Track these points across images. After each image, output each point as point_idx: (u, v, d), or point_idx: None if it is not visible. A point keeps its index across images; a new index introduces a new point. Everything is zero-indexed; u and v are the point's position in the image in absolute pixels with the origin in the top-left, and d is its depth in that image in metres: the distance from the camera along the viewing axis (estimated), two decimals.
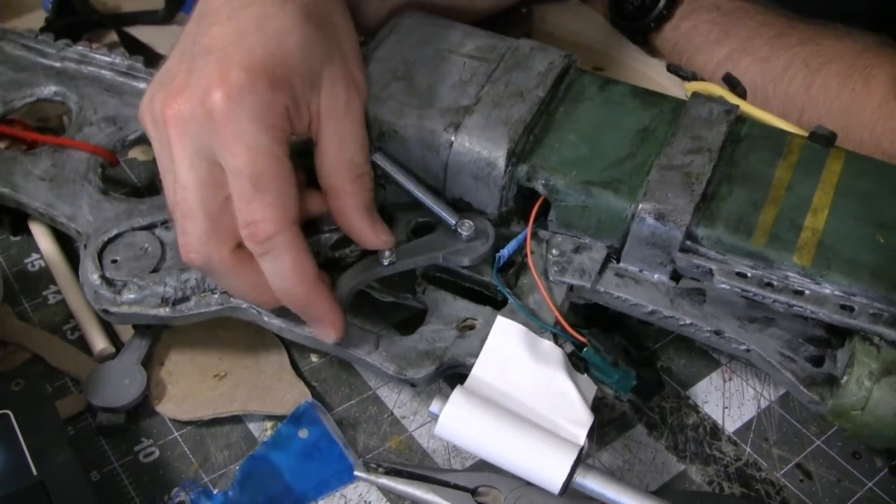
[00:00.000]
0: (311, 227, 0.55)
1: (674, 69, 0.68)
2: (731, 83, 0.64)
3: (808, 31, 0.70)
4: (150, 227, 0.56)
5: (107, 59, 0.67)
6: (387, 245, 0.53)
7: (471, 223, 0.55)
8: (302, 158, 0.52)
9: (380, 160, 0.55)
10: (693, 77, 0.66)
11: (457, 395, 0.48)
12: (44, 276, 0.63)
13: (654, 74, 0.74)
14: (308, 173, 0.53)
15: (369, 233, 0.52)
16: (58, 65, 0.68)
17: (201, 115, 0.46)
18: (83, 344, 0.58)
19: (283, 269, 0.48)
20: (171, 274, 0.53)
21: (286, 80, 0.48)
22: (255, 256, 0.48)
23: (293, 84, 0.48)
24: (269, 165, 0.47)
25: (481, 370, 0.50)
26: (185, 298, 0.53)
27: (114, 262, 0.54)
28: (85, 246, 0.56)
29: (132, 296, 0.53)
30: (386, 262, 0.53)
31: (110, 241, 0.55)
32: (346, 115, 0.51)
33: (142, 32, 0.76)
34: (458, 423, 0.48)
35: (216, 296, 0.54)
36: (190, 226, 0.49)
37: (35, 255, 0.64)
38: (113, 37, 0.77)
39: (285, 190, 0.47)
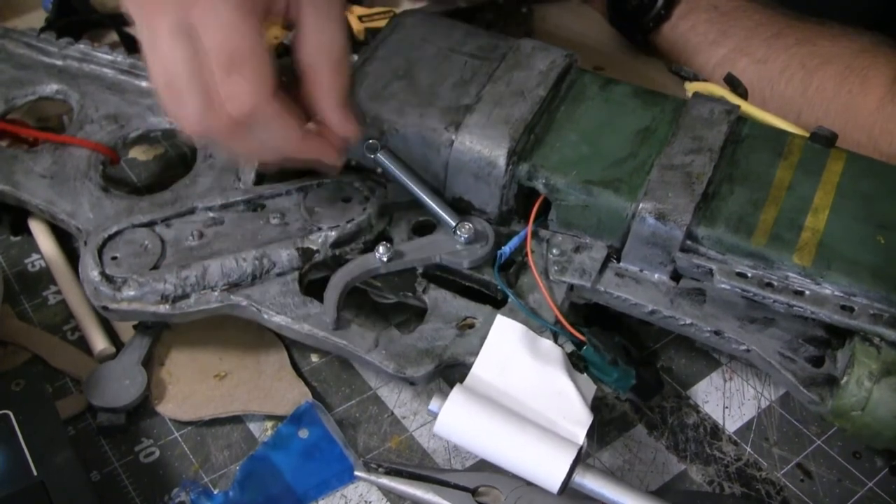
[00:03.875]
0: (311, 224, 0.56)
1: (675, 70, 0.68)
2: (733, 83, 0.64)
3: (806, 31, 0.70)
4: (150, 225, 0.56)
5: (108, 57, 0.67)
6: (352, 133, 0.53)
7: (470, 226, 0.55)
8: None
9: (383, 158, 0.55)
10: (694, 77, 0.66)
11: (456, 393, 0.48)
12: (44, 277, 0.62)
13: (654, 74, 0.74)
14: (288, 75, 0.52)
15: (340, 119, 0.52)
16: (60, 63, 0.68)
17: None
18: (83, 344, 0.58)
19: (272, 136, 0.50)
20: (170, 271, 0.53)
21: None
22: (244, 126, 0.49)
23: None
24: (243, 41, 0.47)
25: (481, 369, 0.50)
26: (185, 295, 0.53)
27: (114, 258, 0.54)
28: (85, 243, 0.56)
29: (132, 292, 0.53)
30: (385, 258, 0.54)
31: (110, 237, 0.55)
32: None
33: None
34: (457, 421, 0.48)
35: (216, 293, 0.54)
36: (186, 101, 0.49)
37: (35, 256, 0.64)
38: (113, 36, 0.77)
39: (260, 64, 0.47)
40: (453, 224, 0.55)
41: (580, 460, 0.47)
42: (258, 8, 0.47)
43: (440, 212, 0.55)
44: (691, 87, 0.68)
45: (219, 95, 0.48)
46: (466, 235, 0.54)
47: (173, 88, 0.49)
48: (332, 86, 0.51)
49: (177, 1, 0.47)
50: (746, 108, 0.60)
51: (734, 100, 0.61)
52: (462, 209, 0.56)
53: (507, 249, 0.55)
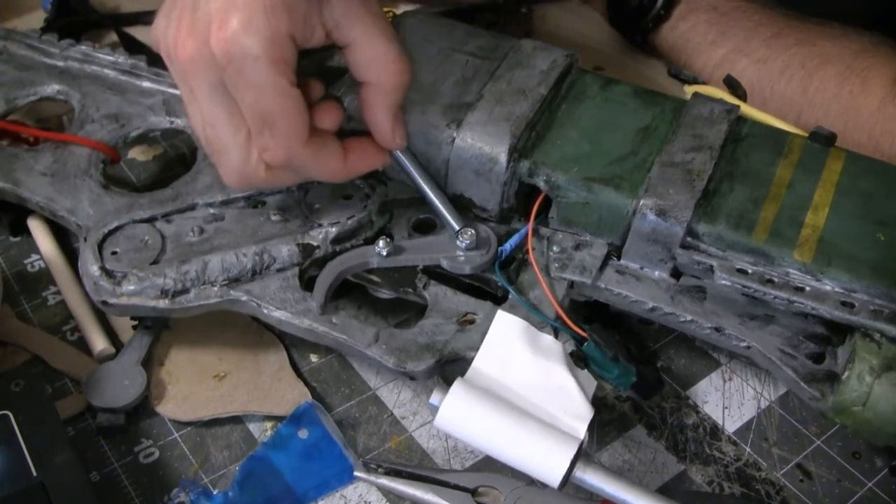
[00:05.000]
0: (312, 221, 0.56)
1: (674, 73, 0.68)
2: (732, 85, 0.64)
3: (806, 31, 0.71)
4: (150, 220, 0.56)
5: (110, 58, 0.67)
6: (398, 146, 0.54)
7: (473, 232, 0.54)
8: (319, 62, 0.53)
9: (401, 155, 0.55)
10: (693, 80, 0.66)
11: (457, 387, 0.48)
12: (43, 277, 0.62)
13: (654, 74, 0.74)
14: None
15: (388, 130, 0.53)
16: (61, 64, 0.68)
17: (208, 56, 0.47)
18: (83, 344, 0.58)
19: (312, 174, 0.53)
20: (170, 266, 0.53)
21: (285, 5, 0.47)
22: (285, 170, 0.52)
23: (294, 6, 0.48)
24: (273, 99, 0.48)
25: (482, 363, 0.50)
26: (185, 290, 0.53)
27: (114, 253, 0.54)
28: (85, 239, 0.56)
29: (132, 287, 0.53)
30: (384, 252, 0.54)
31: (110, 233, 0.55)
32: (366, 15, 0.50)
33: (142, 33, 0.76)
34: (458, 415, 0.48)
35: (216, 288, 0.54)
36: (225, 158, 0.51)
37: (35, 256, 0.64)
38: (113, 37, 0.77)
39: (291, 120, 0.49)
40: (457, 228, 0.55)
41: (581, 455, 0.47)
42: (289, 55, 0.48)
43: (446, 214, 0.55)
44: (690, 90, 0.68)
45: (256, 153, 0.50)
46: (467, 242, 0.54)
47: (215, 143, 0.51)
48: (386, 101, 0.52)
49: (212, 61, 0.47)
50: (746, 109, 0.60)
51: (733, 101, 0.61)
52: (463, 206, 0.57)
53: (508, 246, 0.55)
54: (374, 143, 0.54)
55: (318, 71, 0.53)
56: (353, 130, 0.55)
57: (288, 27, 0.47)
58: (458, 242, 0.54)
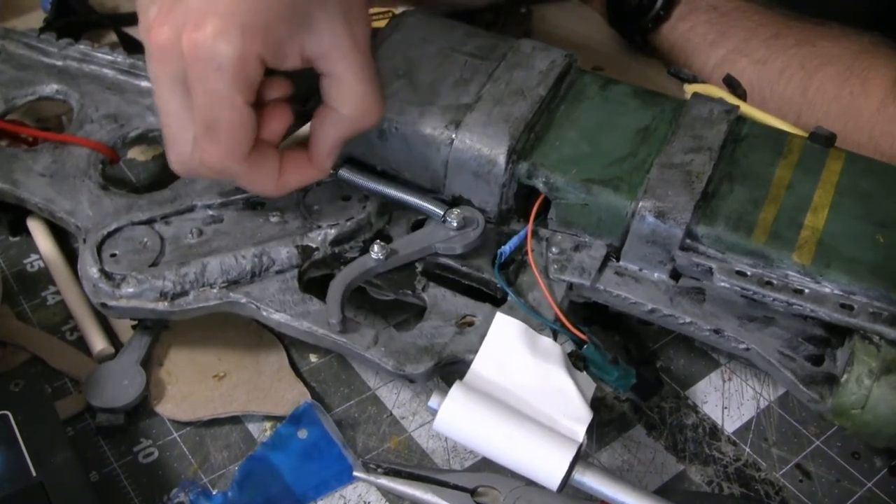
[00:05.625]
0: (310, 222, 0.56)
1: (674, 72, 0.68)
2: (732, 85, 0.64)
3: (806, 31, 0.70)
4: (149, 222, 0.56)
5: (108, 57, 0.67)
6: (325, 171, 0.54)
7: (459, 212, 0.55)
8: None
9: (346, 175, 0.56)
10: (693, 79, 0.66)
11: (456, 390, 0.48)
12: (43, 277, 0.62)
13: (653, 75, 0.74)
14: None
15: (326, 154, 0.53)
16: (60, 63, 0.68)
17: (178, 49, 0.47)
18: (82, 344, 0.58)
19: (243, 184, 0.53)
20: (170, 268, 0.53)
21: (263, 27, 0.47)
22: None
23: (273, 30, 0.48)
24: (222, 112, 0.48)
25: (480, 366, 0.50)
26: (184, 293, 0.53)
27: (113, 255, 0.54)
28: (84, 240, 0.56)
29: (131, 289, 0.53)
30: (381, 257, 0.54)
31: (109, 235, 0.55)
32: (353, 51, 0.50)
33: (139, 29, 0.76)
34: (456, 418, 0.48)
35: (215, 290, 0.54)
36: (174, 145, 0.51)
37: (34, 256, 0.64)
38: (112, 37, 0.77)
39: (235, 135, 0.49)
40: (441, 212, 0.55)
41: (580, 457, 0.47)
42: (253, 75, 0.48)
43: (425, 205, 0.56)
44: (690, 89, 0.68)
45: (199, 153, 0.50)
46: (456, 221, 0.55)
47: (167, 129, 0.51)
48: (342, 133, 0.52)
49: (179, 55, 0.47)
50: (745, 109, 0.60)
51: (733, 101, 0.61)
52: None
53: (507, 248, 0.55)
54: (308, 168, 0.54)
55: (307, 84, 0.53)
56: None
57: (260, 49, 0.47)
58: (448, 223, 0.55)
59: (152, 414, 0.55)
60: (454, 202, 0.57)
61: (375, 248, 0.54)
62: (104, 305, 0.54)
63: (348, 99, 0.51)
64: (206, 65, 0.47)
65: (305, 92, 0.54)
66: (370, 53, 0.52)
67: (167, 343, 0.58)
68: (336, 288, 0.53)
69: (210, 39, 0.46)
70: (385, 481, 0.51)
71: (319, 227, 0.56)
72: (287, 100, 0.52)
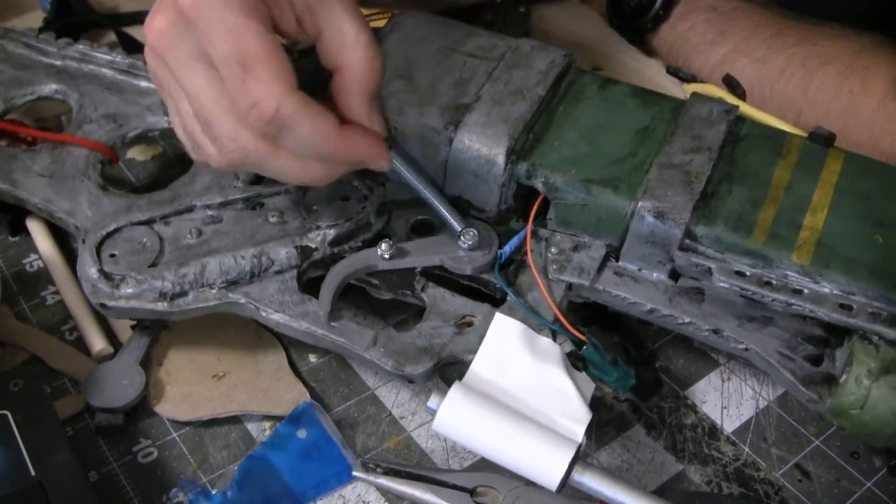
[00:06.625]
0: (310, 223, 0.56)
1: (673, 71, 0.68)
2: (731, 84, 0.64)
3: (806, 31, 0.70)
4: (149, 222, 0.56)
5: (107, 57, 0.67)
6: (380, 129, 0.51)
7: (475, 233, 0.54)
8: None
9: (395, 160, 0.54)
10: (693, 79, 0.66)
11: (455, 390, 0.48)
12: (42, 277, 0.62)
13: (652, 74, 0.74)
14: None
15: (364, 117, 0.50)
16: (59, 63, 0.68)
17: (177, 20, 0.46)
18: (82, 344, 0.58)
19: (308, 137, 0.48)
20: (169, 268, 0.53)
21: None
22: (276, 138, 0.48)
23: None
24: (251, 41, 0.46)
25: (479, 366, 0.50)
26: (183, 293, 0.53)
27: (112, 256, 0.54)
28: (83, 241, 0.56)
29: (130, 290, 0.53)
30: (387, 255, 0.53)
31: (109, 235, 0.55)
32: (339, 2, 0.49)
33: (140, 32, 0.76)
34: (455, 418, 0.48)
35: (214, 291, 0.54)
36: (216, 128, 0.48)
37: (34, 256, 0.64)
38: (111, 37, 0.77)
39: (275, 61, 0.46)
40: (458, 229, 0.55)
41: (579, 458, 0.47)
42: (262, 12, 0.47)
43: (447, 215, 0.55)
44: (689, 88, 0.68)
45: (244, 110, 0.46)
46: (470, 242, 0.54)
47: (202, 113, 0.48)
48: (361, 82, 0.50)
49: (183, 25, 0.46)
50: (745, 108, 0.60)
51: (732, 101, 0.61)
52: (461, 208, 0.56)
53: (506, 248, 0.55)
54: (370, 132, 0.51)
55: (315, 74, 0.52)
56: None
57: None
58: (460, 243, 0.54)
59: (151, 414, 0.55)
60: (454, 202, 0.56)
61: (383, 245, 0.54)
62: (103, 306, 0.54)
63: (341, 48, 0.49)
64: (212, 8, 0.45)
65: (307, 90, 0.54)
66: (355, 3, 0.50)
67: (166, 343, 0.58)
68: (332, 277, 0.53)
69: None
70: (384, 481, 0.51)
71: (319, 227, 0.56)
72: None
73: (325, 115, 0.48)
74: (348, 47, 0.49)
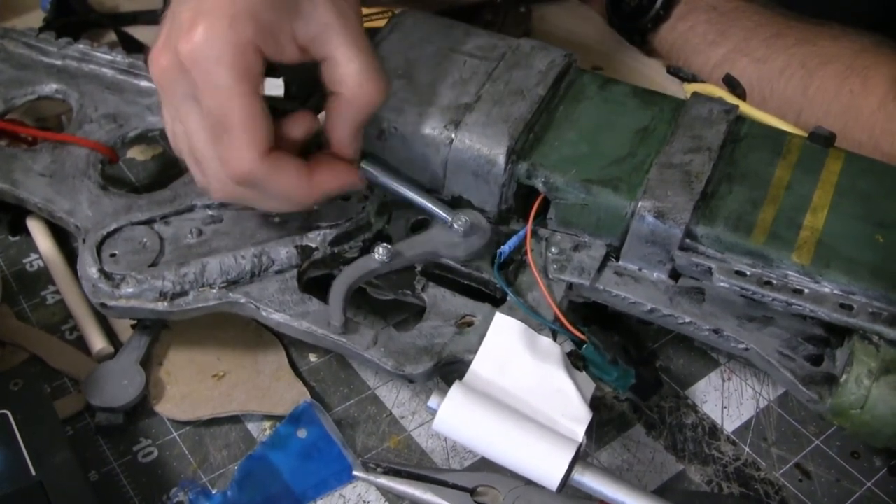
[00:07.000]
0: (310, 222, 0.56)
1: (673, 71, 0.68)
2: (731, 84, 0.64)
3: (806, 31, 0.71)
4: (149, 222, 0.56)
5: (108, 57, 0.67)
6: (353, 156, 0.54)
7: (466, 218, 0.55)
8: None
9: (367, 167, 0.55)
10: (693, 78, 0.66)
11: (455, 390, 0.48)
12: (42, 277, 0.62)
13: (653, 74, 0.74)
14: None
15: (347, 143, 0.53)
16: (59, 63, 0.68)
17: (178, 65, 0.48)
18: (82, 344, 0.58)
19: (280, 191, 0.51)
20: (169, 268, 0.53)
21: (251, 14, 0.48)
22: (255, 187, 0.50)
23: (261, 16, 0.48)
24: (235, 104, 0.48)
25: (480, 366, 0.50)
26: (184, 293, 0.53)
27: (112, 255, 0.54)
28: (84, 240, 0.56)
29: (130, 290, 0.53)
30: (385, 259, 0.53)
31: (109, 235, 0.55)
32: (344, 29, 0.50)
33: (140, 32, 0.76)
34: (456, 418, 0.48)
35: (214, 290, 0.54)
36: (205, 167, 0.51)
37: (34, 256, 0.64)
38: (112, 37, 0.77)
39: (252, 126, 0.48)
40: (448, 218, 0.55)
41: (579, 457, 0.47)
42: (253, 64, 0.48)
43: (434, 208, 0.55)
44: (690, 88, 0.68)
45: (223, 163, 0.49)
46: (463, 227, 0.55)
47: (195, 157, 0.51)
48: (352, 112, 0.52)
49: (181, 69, 0.48)
50: (745, 108, 0.60)
51: (732, 100, 0.61)
52: (461, 208, 0.56)
53: (506, 248, 0.55)
54: (341, 160, 0.53)
55: (308, 82, 0.53)
56: None
57: (253, 37, 0.47)
58: (455, 228, 0.55)
59: (152, 413, 0.55)
60: (454, 202, 0.57)
61: (380, 250, 0.54)
62: (103, 305, 0.54)
63: (346, 78, 0.51)
64: (205, 63, 0.47)
65: (305, 91, 0.54)
66: (363, 31, 0.51)
67: (166, 343, 0.58)
68: (338, 289, 0.53)
69: (202, 38, 0.47)
70: (384, 481, 0.51)
71: (319, 227, 0.56)
72: (310, 110, 0.53)
73: (295, 171, 0.51)
74: (347, 78, 0.51)
